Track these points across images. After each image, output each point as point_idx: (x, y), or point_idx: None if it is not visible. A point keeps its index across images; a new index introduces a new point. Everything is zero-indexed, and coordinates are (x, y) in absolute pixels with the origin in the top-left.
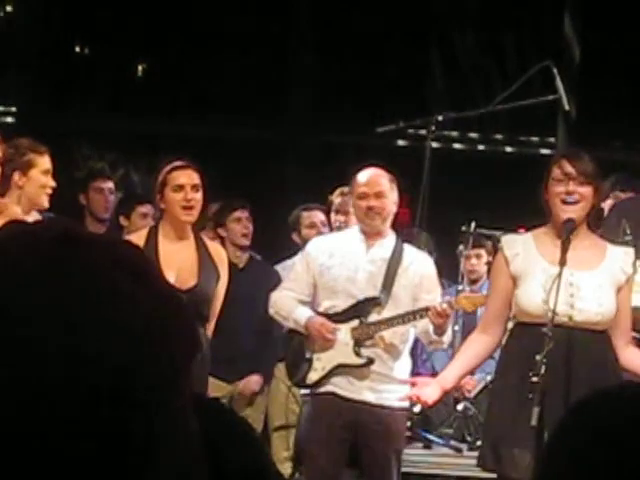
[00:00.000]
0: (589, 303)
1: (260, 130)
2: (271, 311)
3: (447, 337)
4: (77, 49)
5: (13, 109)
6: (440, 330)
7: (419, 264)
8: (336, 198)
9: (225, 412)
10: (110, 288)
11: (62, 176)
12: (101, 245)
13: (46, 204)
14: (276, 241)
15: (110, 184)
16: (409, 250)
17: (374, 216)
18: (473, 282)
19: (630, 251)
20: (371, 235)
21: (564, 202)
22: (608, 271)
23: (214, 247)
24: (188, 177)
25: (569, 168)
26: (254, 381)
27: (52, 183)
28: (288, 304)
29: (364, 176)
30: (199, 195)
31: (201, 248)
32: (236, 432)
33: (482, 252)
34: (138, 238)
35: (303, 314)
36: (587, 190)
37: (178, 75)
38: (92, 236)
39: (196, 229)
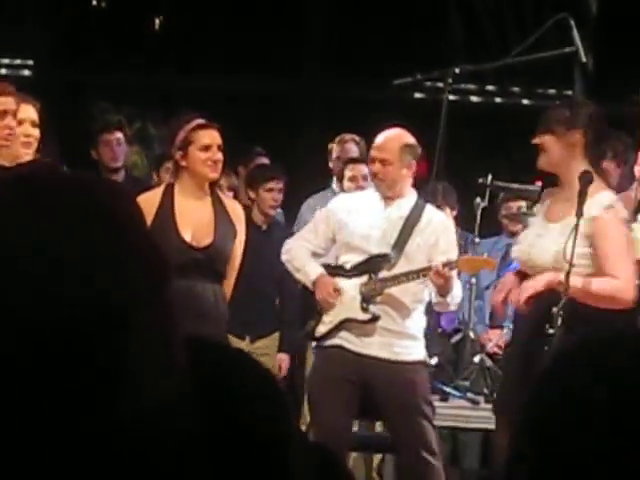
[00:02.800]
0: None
1: (275, 85)
2: (284, 257)
3: (452, 298)
4: (94, 2)
5: (30, 62)
6: (442, 291)
7: (437, 224)
8: (336, 146)
9: (249, 362)
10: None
11: (78, 129)
12: (61, 183)
13: (21, 152)
14: (292, 196)
15: (118, 134)
16: (429, 210)
17: (378, 182)
18: (514, 234)
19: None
20: (387, 195)
21: None
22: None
23: (231, 204)
24: (214, 137)
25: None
26: (283, 361)
27: (30, 132)
28: (302, 256)
29: (377, 139)
30: (221, 155)
31: (218, 205)
32: (258, 383)
33: (522, 203)
34: (154, 195)
35: (314, 270)
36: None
37: (194, 29)
38: (57, 177)
39: (214, 186)
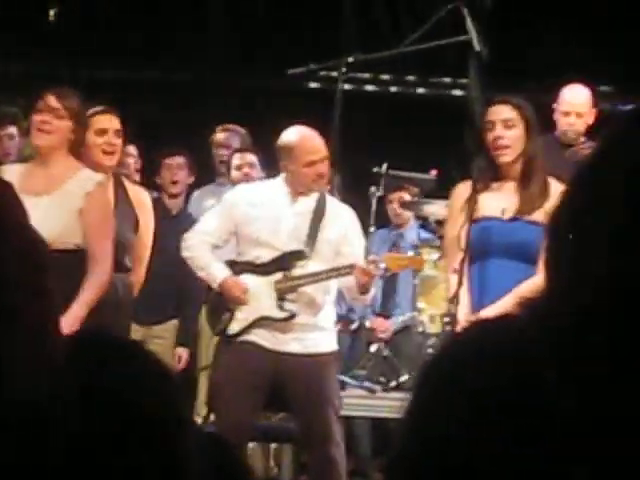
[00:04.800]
0: None
1: (170, 74)
2: (185, 254)
3: (369, 295)
4: None
5: None
6: (364, 289)
7: (343, 217)
8: (219, 134)
9: (140, 352)
10: None
11: None
12: None
13: None
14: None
15: (10, 129)
16: (332, 203)
17: (321, 181)
18: (399, 226)
19: None
20: (298, 190)
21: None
22: None
23: (134, 191)
24: (110, 122)
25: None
26: (179, 354)
27: None
28: (205, 254)
29: (307, 143)
30: (120, 140)
31: (119, 191)
32: (148, 372)
33: (404, 194)
34: None
35: (219, 272)
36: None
37: (88, 20)
38: None
39: (116, 173)
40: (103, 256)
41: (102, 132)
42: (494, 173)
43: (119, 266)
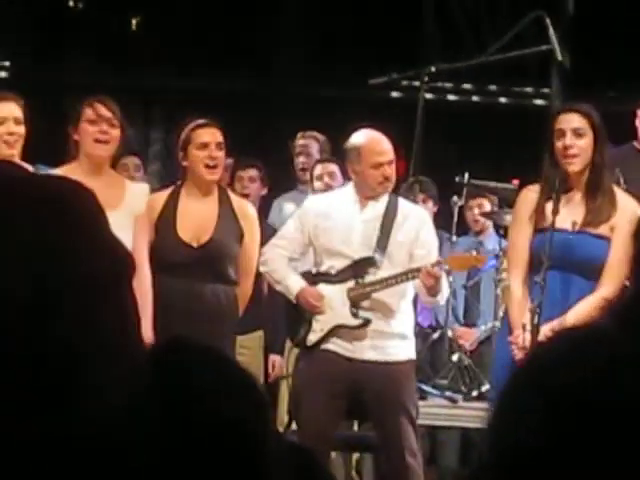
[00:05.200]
0: None
1: (251, 84)
2: (263, 269)
3: (442, 295)
4: (70, 3)
5: (7, 63)
6: (432, 291)
7: (414, 218)
8: (299, 140)
9: (226, 362)
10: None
11: (56, 131)
12: (20, 182)
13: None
14: (269, 195)
15: None
16: (403, 204)
17: (388, 185)
18: (478, 233)
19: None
20: (368, 197)
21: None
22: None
23: (239, 203)
24: (212, 135)
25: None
26: (276, 361)
27: (13, 130)
28: (282, 268)
29: (375, 145)
30: (222, 153)
31: (224, 204)
32: (234, 382)
33: (484, 202)
34: (161, 195)
35: (295, 284)
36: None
37: (169, 30)
38: (16, 175)
39: (221, 186)
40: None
41: (204, 146)
42: (562, 183)
43: (223, 278)
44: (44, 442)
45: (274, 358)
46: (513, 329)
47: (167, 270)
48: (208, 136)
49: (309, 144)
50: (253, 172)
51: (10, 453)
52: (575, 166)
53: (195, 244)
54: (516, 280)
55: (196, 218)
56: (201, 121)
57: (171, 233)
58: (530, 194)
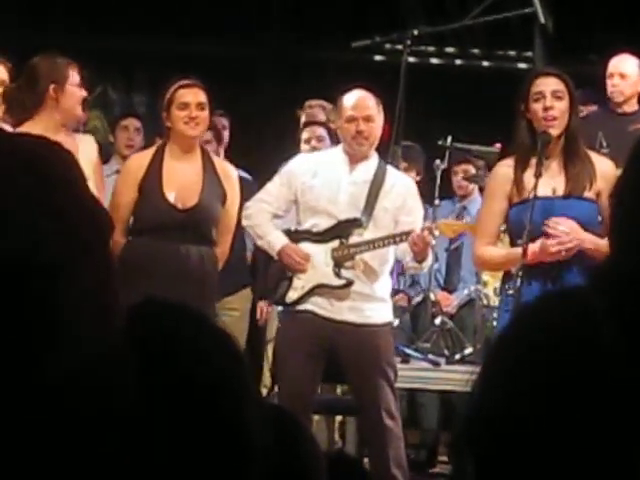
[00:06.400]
0: None
1: (236, 48)
2: (245, 222)
3: (426, 263)
4: None
5: None
6: (420, 256)
7: (401, 186)
8: (304, 111)
9: (206, 322)
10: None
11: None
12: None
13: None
14: (257, 156)
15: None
16: (392, 172)
17: (362, 141)
18: (463, 197)
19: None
20: (355, 157)
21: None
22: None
23: (221, 165)
24: (194, 95)
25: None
26: (263, 309)
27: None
28: (265, 224)
29: (352, 99)
30: (204, 113)
31: (207, 166)
32: (214, 341)
33: (469, 167)
34: (144, 155)
35: (278, 240)
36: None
37: None
38: None
39: (204, 147)
40: None
41: (185, 105)
42: (542, 146)
43: (206, 240)
44: (20, 389)
45: (261, 305)
46: (514, 258)
47: (153, 231)
48: (190, 96)
49: (316, 114)
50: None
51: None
52: (555, 129)
53: (180, 206)
54: (479, 248)
55: (180, 179)
56: (184, 81)
57: (157, 195)
58: (503, 169)
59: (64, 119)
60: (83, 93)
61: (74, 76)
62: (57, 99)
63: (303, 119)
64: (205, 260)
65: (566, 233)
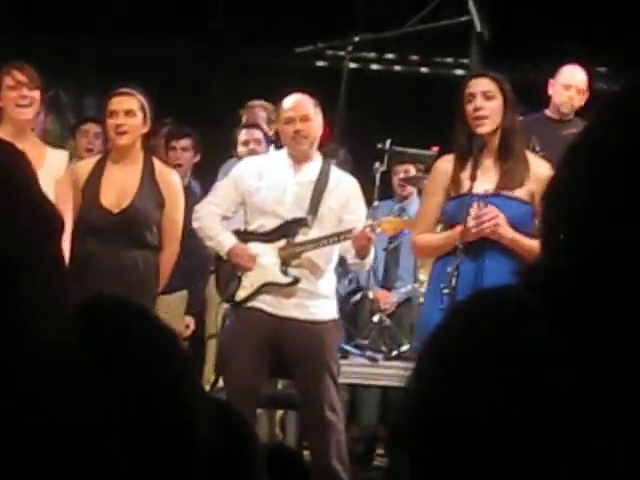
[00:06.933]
0: None
1: (182, 50)
2: (196, 224)
3: (369, 259)
4: None
5: None
6: (362, 253)
7: (345, 186)
8: (244, 111)
9: (149, 319)
10: None
11: None
12: None
13: None
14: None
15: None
16: (335, 172)
17: (301, 140)
18: (404, 198)
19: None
20: (299, 158)
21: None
22: None
23: (162, 171)
24: (119, 104)
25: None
26: (186, 322)
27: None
28: (214, 224)
29: (289, 101)
30: (133, 120)
31: (147, 172)
32: (157, 339)
33: (410, 167)
34: (86, 164)
35: (227, 241)
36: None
37: None
38: None
39: (148, 153)
40: None
41: (113, 114)
42: (477, 148)
43: (141, 243)
44: None
45: (189, 320)
46: (451, 237)
47: (90, 234)
48: (116, 104)
49: (257, 114)
50: (186, 142)
51: None
52: (485, 127)
53: (115, 210)
54: (417, 236)
55: (118, 185)
56: (118, 90)
57: (93, 198)
58: (444, 164)
59: (12, 124)
60: (20, 93)
61: (7, 80)
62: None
63: (244, 120)
64: (139, 263)
65: (486, 213)
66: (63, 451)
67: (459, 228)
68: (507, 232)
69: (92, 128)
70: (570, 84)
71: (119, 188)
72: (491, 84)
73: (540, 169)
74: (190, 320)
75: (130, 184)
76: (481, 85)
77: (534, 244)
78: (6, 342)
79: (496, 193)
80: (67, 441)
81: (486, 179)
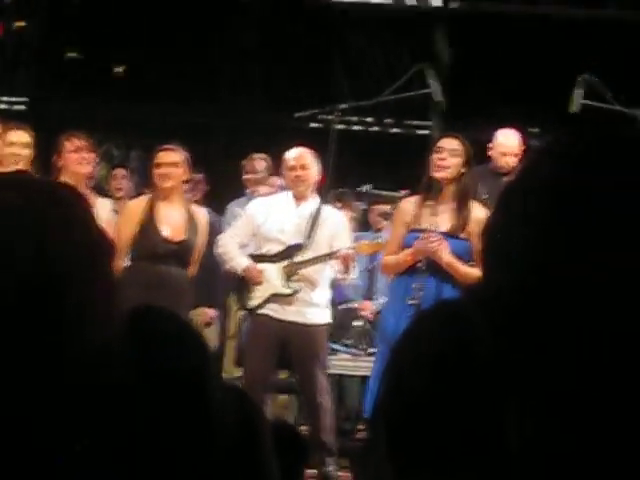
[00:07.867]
0: None
1: (194, 116)
2: (218, 250)
3: (352, 274)
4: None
5: (23, 99)
6: (345, 269)
7: (333, 219)
8: (246, 162)
9: (181, 322)
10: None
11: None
12: (29, 185)
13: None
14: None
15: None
16: (327, 209)
17: (299, 183)
18: (379, 230)
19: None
20: (298, 197)
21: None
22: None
23: (196, 210)
24: (162, 157)
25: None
26: (209, 313)
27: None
28: (232, 251)
29: (293, 153)
30: (175, 170)
31: (187, 210)
32: (186, 337)
33: (386, 207)
34: (140, 201)
35: (242, 262)
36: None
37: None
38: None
39: (183, 196)
40: None
41: (158, 165)
42: (437, 191)
43: (187, 265)
44: (46, 377)
45: (209, 311)
46: (406, 255)
47: (153, 258)
48: (160, 158)
49: (258, 164)
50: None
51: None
52: (444, 173)
53: (173, 240)
54: (384, 258)
55: (169, 219)
56: (162, 146)
57: (154, 231)
58: (406, 204)
59: (71, 178)
60: (81, 155)
61: (68, 145)
62: (60, 165)
63: (246, 168)
64: (186, 280)
65: (432, 237)
66: (112, 423)
67: (411, 249)
68: (446, 256)
69: (120, 172)
70: (505, 152)
71: (171, 223)
72: (459, 145)
73: (478, 213)
74: (211, 311)
75: (179, 219)
76: (450, 144)
77: (469, 271)
78: (70, 345)
79: (446, 233)
80: (114, 434)
81: (440, 219)
